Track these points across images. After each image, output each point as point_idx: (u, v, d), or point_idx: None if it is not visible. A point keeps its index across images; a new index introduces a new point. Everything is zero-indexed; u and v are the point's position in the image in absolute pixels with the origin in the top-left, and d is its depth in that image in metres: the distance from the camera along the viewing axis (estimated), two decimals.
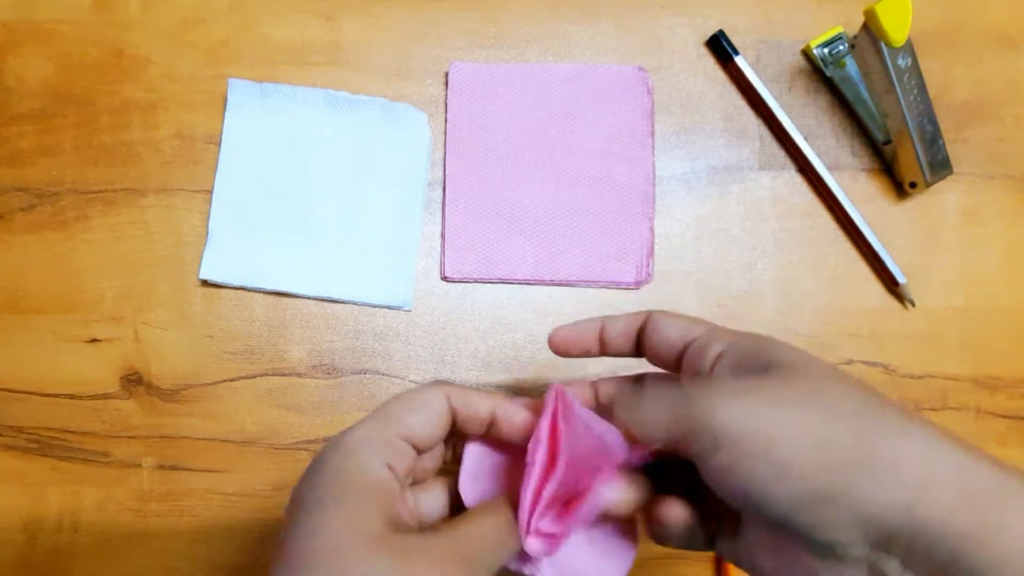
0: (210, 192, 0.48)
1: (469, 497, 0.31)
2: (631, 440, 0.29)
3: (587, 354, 0.34)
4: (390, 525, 0.25)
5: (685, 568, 0.46)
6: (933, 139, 0.46)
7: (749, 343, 0.29)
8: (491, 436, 0.31)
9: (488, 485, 0.31)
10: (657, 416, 0.27)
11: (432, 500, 0.31)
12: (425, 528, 0.29)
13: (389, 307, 0.48)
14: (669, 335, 0.32)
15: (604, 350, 0.34)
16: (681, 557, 0.46)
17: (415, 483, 0.31)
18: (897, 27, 0.43)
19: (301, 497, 0.26)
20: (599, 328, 0.34)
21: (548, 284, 0.48)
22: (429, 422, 0.29)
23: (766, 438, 0.24)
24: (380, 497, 0.26)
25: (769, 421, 0.25)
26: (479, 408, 0.30)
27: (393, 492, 0.27)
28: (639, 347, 0.33)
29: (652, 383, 0.34)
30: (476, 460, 0.32)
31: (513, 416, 0.30)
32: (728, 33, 0.49)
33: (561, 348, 0.34)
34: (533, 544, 0.28)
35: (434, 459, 0.32)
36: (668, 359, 0.32)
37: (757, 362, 0.28)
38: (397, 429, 0.28)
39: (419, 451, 0.29)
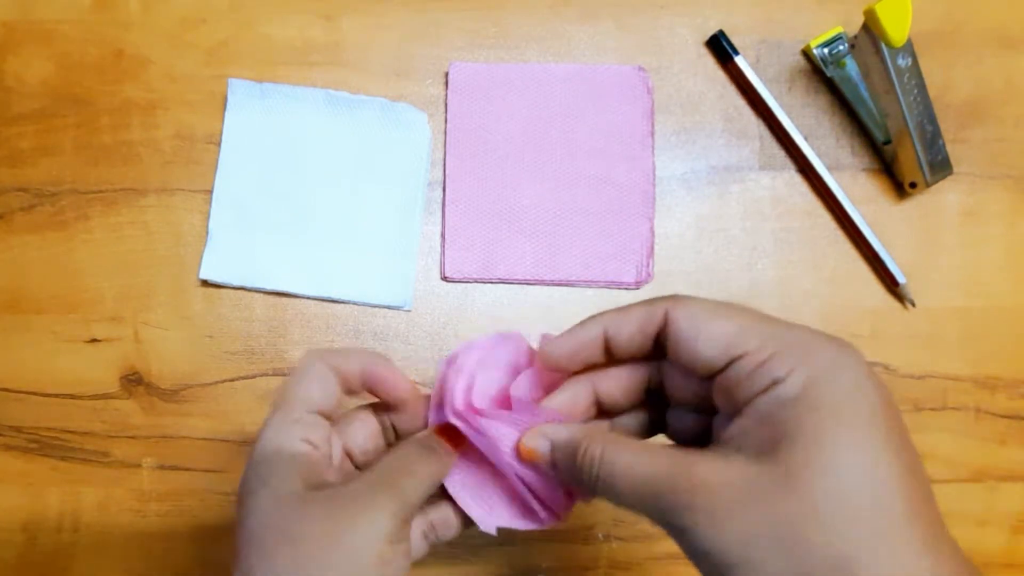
0: (210, 192, 0.48)
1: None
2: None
3: (592, 367, 0.30)
4: (313, 488, 0.27)
5: (684, 568, 0.46)
6: (933, 139, 0.46)
7: (793, 388, 0.23)
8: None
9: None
10: (641, 488, 0.24)
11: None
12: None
13: (389, 307, 0.48)
14: (707, 354, 0.25)
15: (613, 360, 0.29)
16: (680, 557, 0.46)
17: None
18: (897, 27, 0.43)
19: (240, 493, 0.29)
20: (601, 335, 0.28)
21: (548, 284, 0.48)
22: (320, 387, 0.30)
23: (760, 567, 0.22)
24: (302, 469, 0.28)
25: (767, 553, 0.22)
26: (356, 360, 0.31)
27: (315, 460, 0.29)
28: (658, 348, 0.28)
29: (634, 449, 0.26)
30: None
31: (377, 366, 0.31)
32: (728, 33, 0.49)
33: (561, 364, 0.29)
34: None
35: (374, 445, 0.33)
36: (704, 374, 0.26)
37: (784, 426, 0.23)
38: (298, 406, 0.30)
39: (328, 417, 0.31)
